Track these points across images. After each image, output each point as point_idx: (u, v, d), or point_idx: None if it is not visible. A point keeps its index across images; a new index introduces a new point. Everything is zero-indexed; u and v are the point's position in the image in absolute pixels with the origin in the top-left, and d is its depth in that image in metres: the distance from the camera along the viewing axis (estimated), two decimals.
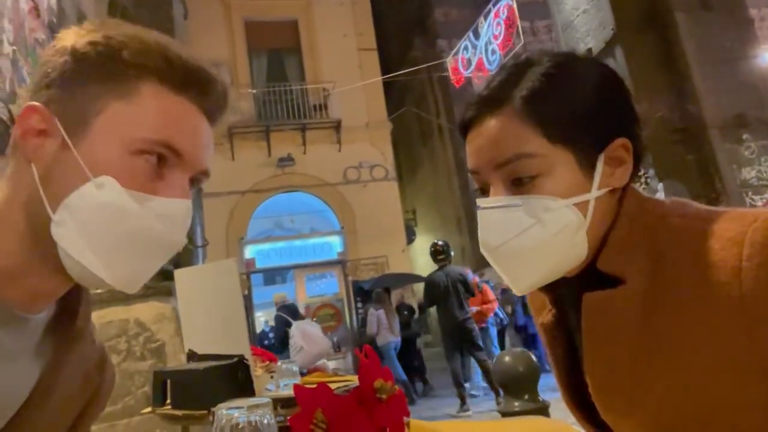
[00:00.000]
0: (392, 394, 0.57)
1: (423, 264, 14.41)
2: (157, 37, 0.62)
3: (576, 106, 0.67)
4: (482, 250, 0.71)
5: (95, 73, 0.58)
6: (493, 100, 0.69)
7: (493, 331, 7.43)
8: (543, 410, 2.74)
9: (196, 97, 0.62)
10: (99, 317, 2.86)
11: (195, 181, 0.64)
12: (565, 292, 0.73)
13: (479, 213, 0.68)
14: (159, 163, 0.59)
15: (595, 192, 0.66)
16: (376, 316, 7.68)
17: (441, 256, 6.15)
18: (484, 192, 0.71)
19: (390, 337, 7.58)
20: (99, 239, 0.57)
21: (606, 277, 0.66)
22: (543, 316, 0.77)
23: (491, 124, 0.68)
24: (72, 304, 0.65)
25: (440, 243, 6.36)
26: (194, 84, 0.62)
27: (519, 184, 0.66)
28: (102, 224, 0.57)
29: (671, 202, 0.69)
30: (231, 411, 0.61)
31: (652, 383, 0.62)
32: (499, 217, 0.67)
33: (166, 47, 0.61)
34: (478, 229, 0.69)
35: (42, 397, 0.60)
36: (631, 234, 0.66)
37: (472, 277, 6.70)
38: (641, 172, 0.73)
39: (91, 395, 0.68)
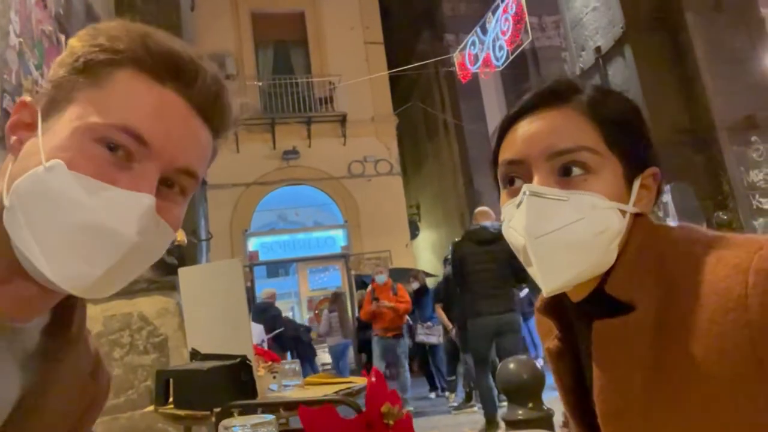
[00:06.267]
0: (399, 419, 0.56)
1: (426, 259, 14.41)
2: (147, 27, 0.59)
3: (627, 123, 0.71)
4: (519, 239, 0.67)
5: (77, 64, 0.56)
6: (557, 94, 0.71)
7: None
8: (547, 419, 2.70)
9: (180, 88, 0.57)
10: (103, 311, 2.86)
11: (173, 181, 0.58)
12: (573, 317, 0.73)
13: (527, 199, 0.66)
14: (128, 156, 0.54)
15: (632, 207, 0.68)
16: (328, 318, 7.78)
17: None
18: (512, 185, 0.70)
19: (340, 339, 7.66)
20: (43, 228, 0.52)
21: (613, 303, 0.65)
22: (549, 341, 0.76)
23: (554, 114, 0.70)
24: (67, 311, 0.62)
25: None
26: (175, 72, 0.57)
27: (569, 178, 0.67)
28: (47, 212, 0.52)
29: (680, 227, 0.69)
30: (235, 429, 0.61)
31: (665, 410, 0.61)
32: (546, 207, 0.65)
33: (148, 35, 0.58)
34: (522, 216, 0.66)
35: (33, 405, 0.58)
36: (640, 259, 0.65)
37: (385, 279, 6.57)
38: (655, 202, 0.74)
39: (88, 402, 0.66)
